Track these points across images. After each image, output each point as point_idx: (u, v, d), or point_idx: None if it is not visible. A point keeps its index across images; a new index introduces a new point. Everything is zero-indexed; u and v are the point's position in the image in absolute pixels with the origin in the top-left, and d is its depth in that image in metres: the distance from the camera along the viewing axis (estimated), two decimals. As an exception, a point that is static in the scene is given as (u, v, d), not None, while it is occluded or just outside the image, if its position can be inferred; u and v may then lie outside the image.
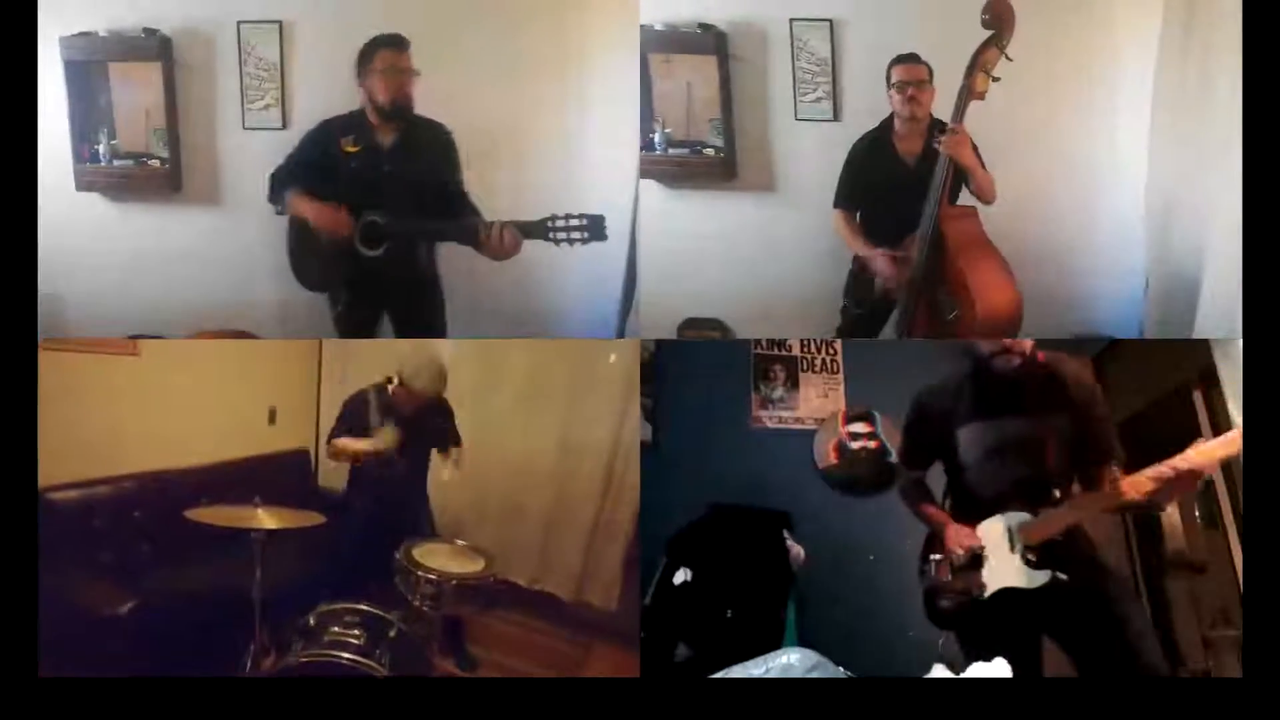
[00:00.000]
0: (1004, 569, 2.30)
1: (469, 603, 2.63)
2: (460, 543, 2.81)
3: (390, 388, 2.96)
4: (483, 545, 2.83)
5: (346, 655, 2.31)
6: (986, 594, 2.31)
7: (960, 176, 2.88)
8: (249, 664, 2.39)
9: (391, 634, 2.42)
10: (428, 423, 3.03)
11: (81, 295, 3.21)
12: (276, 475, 3.66)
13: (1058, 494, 2.34)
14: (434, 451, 3.10)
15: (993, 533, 2.35)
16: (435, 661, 2.57)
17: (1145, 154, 3.11)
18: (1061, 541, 2.29)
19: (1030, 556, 2.27)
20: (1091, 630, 2.22)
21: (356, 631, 2.38)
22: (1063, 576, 2.26)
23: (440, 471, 3.10)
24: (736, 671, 2.18)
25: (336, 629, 2.37)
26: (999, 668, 2.08)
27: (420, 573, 2.53)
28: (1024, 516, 2.32)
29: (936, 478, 2.58)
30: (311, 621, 2.39)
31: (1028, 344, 2.33)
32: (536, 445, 3.86)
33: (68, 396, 2.91)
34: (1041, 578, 2.26)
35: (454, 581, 2.56)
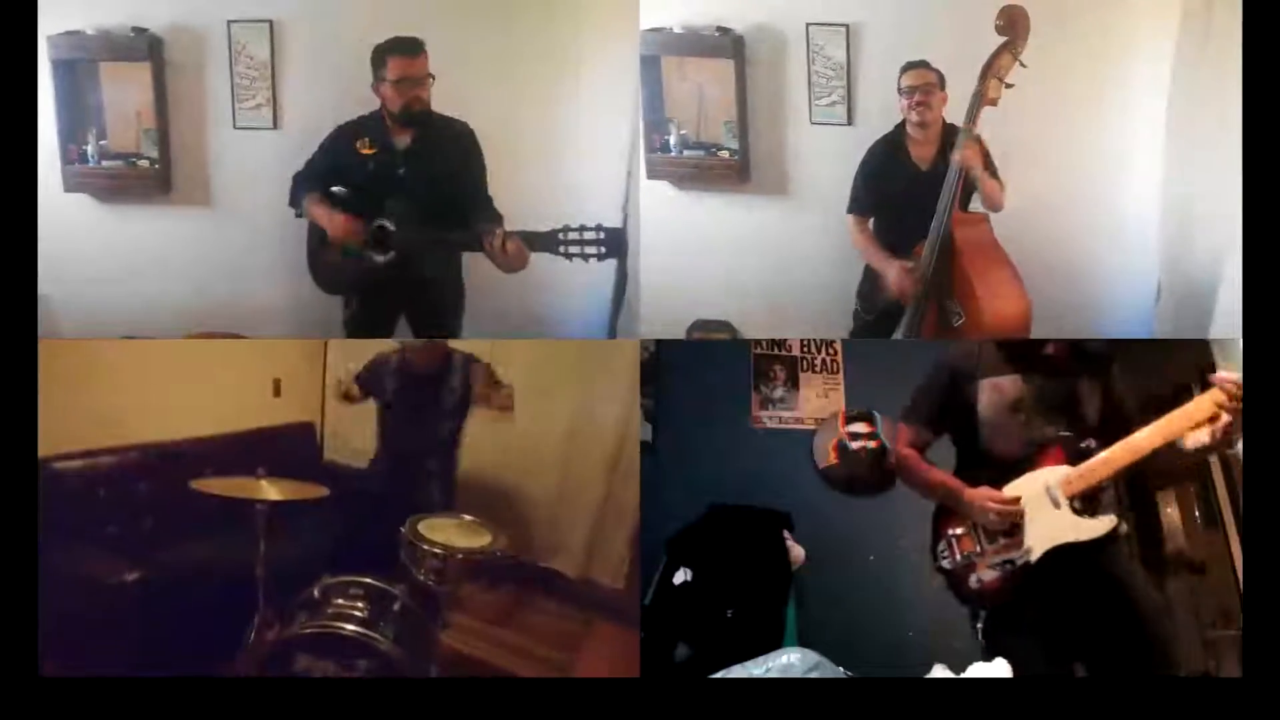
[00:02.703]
0: (1052, 526, 2.14)
1: (474, 577, 2.62)
2: (467, 517, 2.78)
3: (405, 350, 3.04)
4: (489, 520, 2.79)
5: (350, 627, 2.30)
6: (1035, 556, 2.16)
7: (971, 184, 2.88)
8: (252, 635, 2.39)
9: (395, 607, 2.41)
10: (450, 382, 3.05)
11: (71, 297, 3.19)
12: (281, 448, 3.65)
13: (1094, 443, 2.20)
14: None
15: (1028, 491, 2.19)
16: (439, 635, 2.54)
17: (1159, 160, 3.10)
18: (1114, 487, 2.18)
19: (1078, 506, 2.14)
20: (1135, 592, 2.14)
21: (360, 604, 2.37)
22: (1123, 526, 2.14)
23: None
24: (736, 671, 2.18)
25: (341, 601, 2.37)
26: (999, 668, 2.08)
27: (425, 546, 2.51)
28: (1061, 470, 2.18)
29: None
30: (316, 593, 2.39)
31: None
32: (544, 427, 3.86)
33: (70, 371, 2.90)
34: (1104, 524, 2.12)
35: (459, 555, 2.53)
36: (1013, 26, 2.76)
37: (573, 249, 2.61)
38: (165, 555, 2.80)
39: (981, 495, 2.22)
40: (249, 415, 3.66)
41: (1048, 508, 2.17)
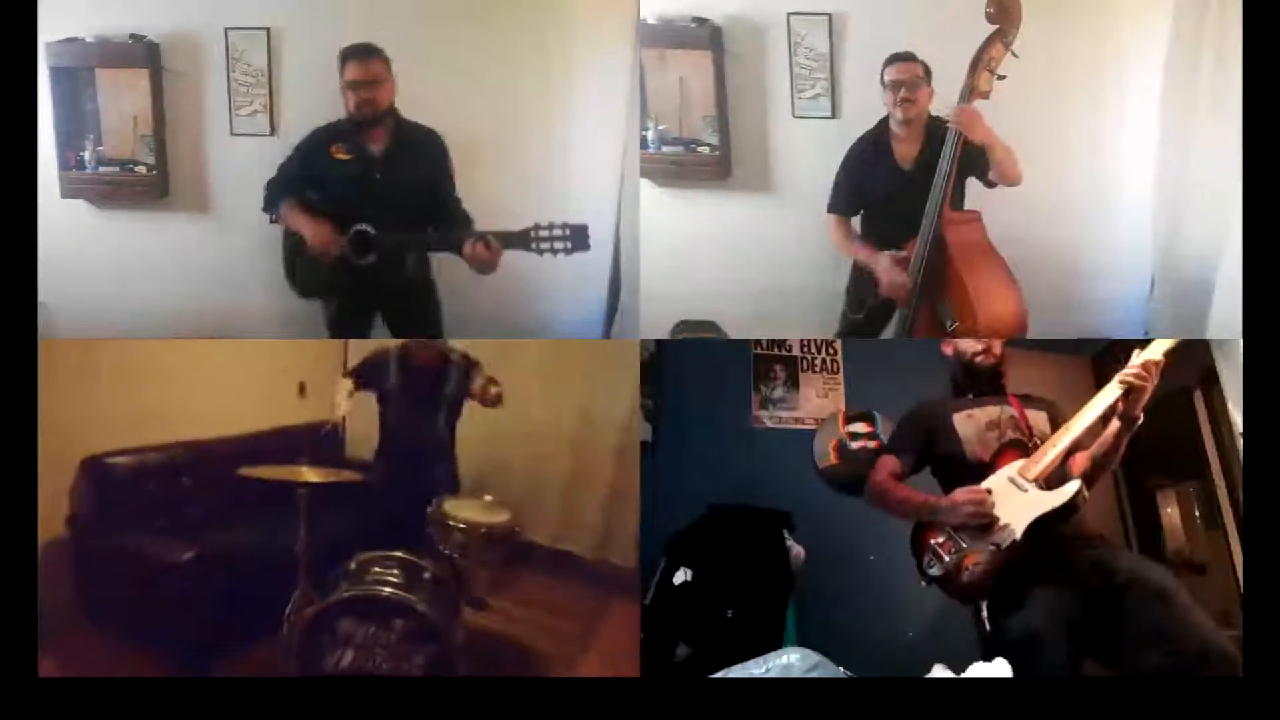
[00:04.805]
0: (1025, 507, 2.29)
1: (495, 552, 2.80)
2: (489, 498, 2.96)
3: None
4: (509, 500, 2.97)
5: (388, 590, 2.44)
6: (1019, 534, 2.27)
7: (969, 169, 2.80)
8: (292, 608, 2.52)
9: (426, 577, 2.56)
10: (447, 377, 3.12)
11: (68, 303, 3.16)
12: (309, 444, 3.72)
13: (1037, 439, 2.43)
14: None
15: (995, 486, 2.36)
16: (464, 606, 2.72)
17: (1153, 154, 3.05)
18: (1065, 466, 2.36)
19: (1041, 485, 2.30)
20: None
21: (395, 572, 2.52)
22: (1085, 492, 2.28)
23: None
24: (736, 671, 2.19)
25: (377, 569, 2.52)
26: (999, 668, 2.08)
27: (451, 523, 2.72)
28: (1018, 462, 2.37)
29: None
30: (353, 565, 2.54)
31: (998, 344, 2.59)
32: (549, 423, 3.95)
33: (112, 375, 3.09)
34: (1069, 490, 2.26)
35: (482, 530, 2.73)
36: (1004, 14, 2.67)
37: (543, 245, 2.78)
38: (211, 541, 2.95)
39: (958, 495, 2.37)
40: (277, 415, 3.77)
41: (1016, 493, 2.32)
